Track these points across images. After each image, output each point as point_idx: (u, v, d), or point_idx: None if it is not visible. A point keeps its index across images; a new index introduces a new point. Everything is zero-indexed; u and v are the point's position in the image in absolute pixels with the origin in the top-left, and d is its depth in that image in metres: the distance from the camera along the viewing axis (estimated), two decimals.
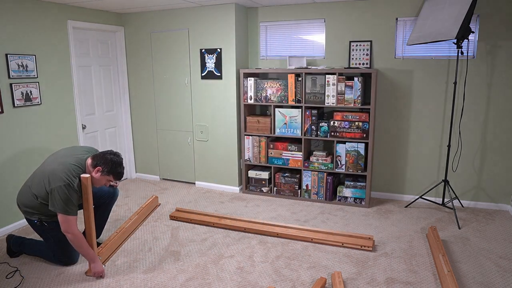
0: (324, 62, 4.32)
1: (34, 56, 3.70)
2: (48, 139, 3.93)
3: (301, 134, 4.21)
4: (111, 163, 2.77)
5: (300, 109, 4.16)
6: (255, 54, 4.61)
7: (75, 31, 4.20)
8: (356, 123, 3.93)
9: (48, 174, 2.68)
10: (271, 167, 4.53)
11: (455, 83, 3.60)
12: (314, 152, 4.29)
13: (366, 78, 4.08)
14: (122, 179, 5.16)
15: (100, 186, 3.08)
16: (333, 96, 3.98)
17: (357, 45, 4.12)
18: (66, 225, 2.67)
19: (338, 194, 4.19)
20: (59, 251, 2.91)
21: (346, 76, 3.97)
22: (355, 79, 3.85)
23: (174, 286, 2.70)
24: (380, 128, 4.23)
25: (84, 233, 2.91)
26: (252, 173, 4.53)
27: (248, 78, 4.29)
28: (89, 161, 2.79)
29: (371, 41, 4.06)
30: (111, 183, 3.16)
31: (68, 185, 2.63)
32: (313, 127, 4.15)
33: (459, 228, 3.56)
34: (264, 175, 4.48)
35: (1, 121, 3.46)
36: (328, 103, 4.01)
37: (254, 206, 4.19)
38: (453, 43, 3.47)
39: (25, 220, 3.71)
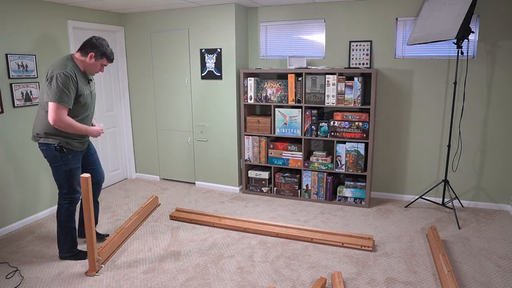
0: (324, 62, 4.32)
1: (34, 56, 3.70)
2: None
3: (301, 134, 4.21)
4: (101, 46, 2.86)
5: (300, 109, 4.16)
6: (255, 54, 4.61)
7: (75, 31, 4.20)
8: (356, 123, 3.93)
9: (48, 75, 2.72)
10: (271, 167, 4.53)
11: (455, 83, 3.60)
12: (314, 152, 4.29)
13: (366, 78, 4.08)
14: (122, 179, 5.16)
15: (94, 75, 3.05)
16: (333, 96, 3.98)
17: (357, 45, 4.12)
18: (57, 113, 2.67)
19: (338, 194, 4.19)
20: (65, 183, 2.94)
21: (346, 76, 3.97)
22: (355, 79, 3.85)
23: (174, 286, 2.70)
24: (380, 128, 4.23)
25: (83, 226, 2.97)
26: (252, 173, 4.53)
27: (248, 78, 4.29)
28: (76, 54, 2.87)
29: (371, 41, 4.06)
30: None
31: (68, 73, 2.69)
32: (313, 127, 4.15)
33: (459, 228, 3.56)
34: (264, 175, 4.48)
35: (1, 121, 3.46)
36: (328, 103, 4.01)
37: (254, 206, 4.19)
38: (453, 43, 3.47)
39: (24, 221, 3.72)
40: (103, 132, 3.03)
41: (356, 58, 4.14)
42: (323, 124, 4.11)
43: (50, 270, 2.93)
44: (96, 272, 2.86)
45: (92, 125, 3.13)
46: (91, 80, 3.02)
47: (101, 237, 3.38)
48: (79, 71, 2.84)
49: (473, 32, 3.62)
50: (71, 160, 2.92)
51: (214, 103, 4.55)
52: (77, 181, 2.98)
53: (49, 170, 3.97)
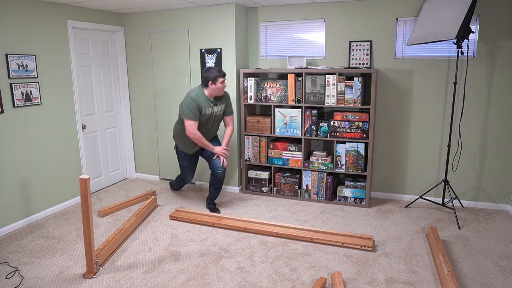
0: (324, 62, 4.32)
1: (34, 56, 3.70)
2: (48, 139, 3.93)
3: (301, 134, 4.21)
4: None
5: (300, 109, 4.16)
6: (255, 54, 4.61)
7: (75, 31, 4.20)
8: (356, 123, 3.93)
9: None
10: (271, 167, 4.53)
11: (455, 83, 3.60)
12: (314, 152, 4.29)
13: (366, 78, 4.08)
14: (122, 179, 5.16)
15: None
16: (333, 96, 3.98)
17: (357, 45, 4.12)
18: (189, 128, 3.66)
19: (338, 194, 4.19)
20: (181, 172, 4.28)
21: (346, 76, 3.97)
22: (355, 79, 3.85)
23: (174, 286, 2.70)
24: (380, 128, 4.23)
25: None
26: (252, 173, 4.53)
27: (248, 78, 4.29)
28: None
29: (371, 41, 4.06)
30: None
31: (192, 98, 3.63)
32: (313, 127, 4.15)
33: (459, 228, 3.56)
34: (264, 175, 4.48)
35: (1, 121, 3.46)
36: (328, 103, 4.01)
37: (254, 206, 4.19)
38: (453, 43, 3.47)
39: (24, 221, 3.73)
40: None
41: (356, 58, 4.14)
42: (323, 124, 4.11)
43: (50, 270, 2.93)
44: (94, 275, 2.85)
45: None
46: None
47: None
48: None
49: (473, 32, 3.63)
50: (180, 159, 4.11)
51: None
52: (187, 173, 4.21)
53: (47, 170, 3.98)
